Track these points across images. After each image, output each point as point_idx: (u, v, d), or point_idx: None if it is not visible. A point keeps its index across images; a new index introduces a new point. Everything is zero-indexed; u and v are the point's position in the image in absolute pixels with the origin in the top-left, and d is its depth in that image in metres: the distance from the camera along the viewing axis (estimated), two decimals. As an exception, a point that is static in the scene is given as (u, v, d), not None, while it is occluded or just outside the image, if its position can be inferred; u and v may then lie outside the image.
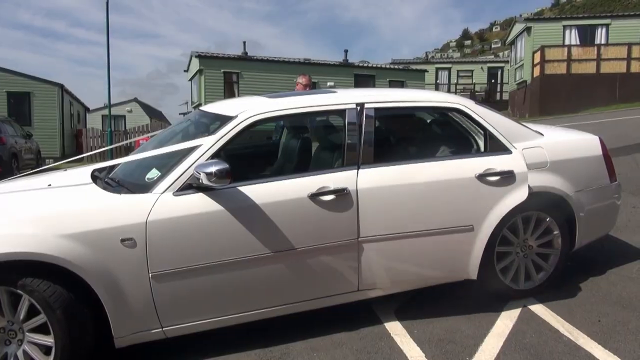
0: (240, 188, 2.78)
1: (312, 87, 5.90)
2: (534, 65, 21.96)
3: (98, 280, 2.50)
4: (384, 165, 3.04)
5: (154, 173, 2.86)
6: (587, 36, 22.38)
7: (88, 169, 3.46)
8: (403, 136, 3.72)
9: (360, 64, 27.89)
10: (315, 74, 24.29)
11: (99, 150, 5.84)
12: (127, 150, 16.73)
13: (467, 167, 3.15)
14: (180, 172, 2.73)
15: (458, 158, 3.25)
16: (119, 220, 2.58)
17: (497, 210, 3.13)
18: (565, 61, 20.57)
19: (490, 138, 3.30)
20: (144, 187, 2.74)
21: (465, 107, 3.35)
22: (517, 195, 3.15)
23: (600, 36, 22.32)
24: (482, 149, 3.31)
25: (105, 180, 3.09)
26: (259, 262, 2.79)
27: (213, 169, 2.56)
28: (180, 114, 29.94)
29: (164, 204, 2.65)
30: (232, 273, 2.76)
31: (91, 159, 14.27)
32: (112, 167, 3.34)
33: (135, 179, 2.95)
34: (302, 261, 2.89)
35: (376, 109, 3.16)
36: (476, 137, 3.36)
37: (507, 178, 3.15)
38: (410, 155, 3.40)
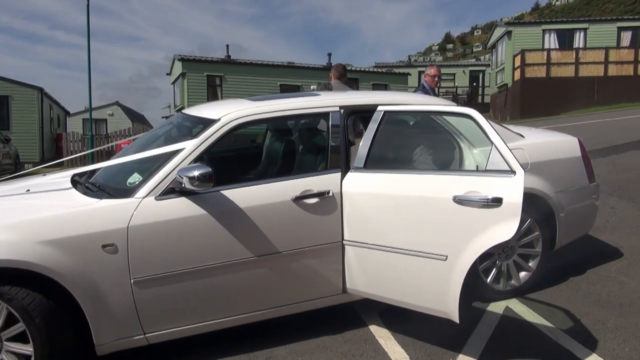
0: (223, 192, 2.76)
1: (330, 87, 5.90)
2: (514, 69, 22.29)
3: (79, 288, 2.46)
4: (370, 171, 2.94)
5: (135, 177, 2.83)
6: (565, 40, 22.80)
7: (68, 174, 3.41)
8: (390, 142, 3.66)
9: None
10: (298, 77, 24.33)
11: (80, 155, 5.76)
12: (109, 154, 16.52)
13: (452, 185, 2.65)
14: (163, 176, 2.70)
15: (445, 173, 2.85)
16: (99, 225, 2.54)
17: None
18: (545, 65, 20.92)
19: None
20: (126, 192, 2.71)
21: (472, 113, 2.83)
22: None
23: (578, 40, 22.75)
24: None
25: (86, 185, 3.05)
26: (243, 266, 2.78)
27: (196, 172, 2.54)
28: (162, 117, 29.69)
29: (145, 209, 2.62)
30: (216, 278, 2.74)
31: (71, 164, 14.06)
32: (93, 172, 3.29)
33: (117, 184, 2.92)
34: (286, 264, 2.89)
35: (365, 112, 3.12)
36: (472, 148, 3.26)
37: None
38: (398, 163, 3.30)
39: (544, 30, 23.14)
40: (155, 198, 2.66)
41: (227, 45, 25.36)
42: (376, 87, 25.87)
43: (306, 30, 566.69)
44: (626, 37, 22.54)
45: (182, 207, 2.67)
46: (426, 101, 3.53)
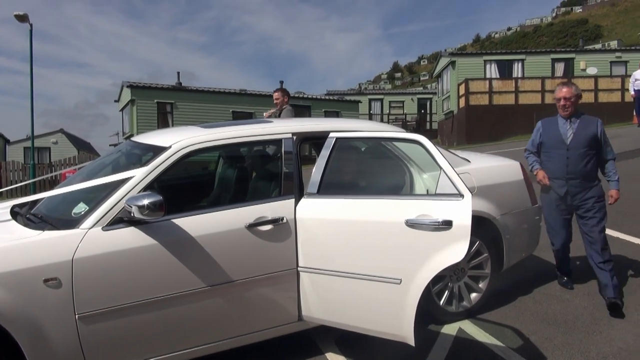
0: (174, 220, 2.70)
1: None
2: (459, 97, 23.26)
3: (17, 326, 2.30)
4: (323, 197, 2.96)
5: (81, 207, 2.71)
6: (505, 70, 24.09)
7: (7, 205, 3.23)
8: (343, 168, 3.71)
9: (296, 95, 28.30)
10: (251, 104, 24.37)
11: (20, 184, 5.46)
12: (52, 184, 15.79)
13: (403, 209, 2.70)
14: (110, 205, 2.61)
15: (395, 198, 2.86)
16: (41, 259, 2.41)
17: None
18: (487, 93, 21.97)
19: None
20: (70, 223, 2.59)
21: (422, 139, 2.91)
22: None
23: (517, 70, 24.09)
24: None
25: (27, 216, 2.89)
26: (196, 297, 2.70)
27: (145, 201, 2.47)
28: (110, 145, 28.81)
29: (92, 240, 2.51)
30: (168, 310, 2.65)
31: (11, 194, 13.32)
32: (35, 202, 3.13)
33: (61, 214, 2.79)
34: (241, 293, 2.83)
35: (319, 139, 3.15)
36: (421, 173, 3.35)
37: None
38: (351, 188, 3.31)
39: (485, 61, 24.38)
40: (102, 228, 2.56)
41: (178, 72, 25.20)
42: (328, 114, 26.29)
43: (258, 58, 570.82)
44: (560, 67, 24.10)
45: (131, 238, 2.58)
46: (377, 128, 3.62)
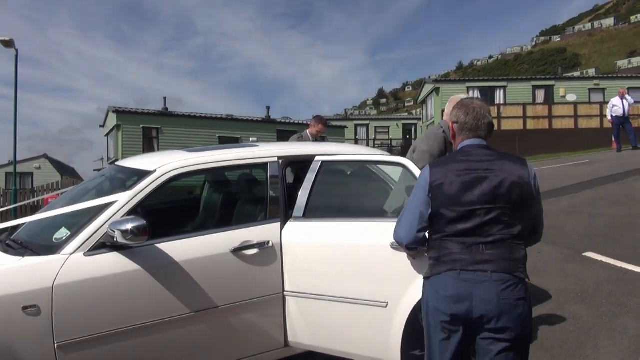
0: (158, 245, 2.66)
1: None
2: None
3: (-7, 355, 2.23)
4: (310, 220, 2.96)
5: (62, 232, 2.67)
6: (488, 96, 24.59)
7: (-14, 231, 3.16)
8: (328, 192, 3.71)
9: (283, 120, 28.49)
10: (238, 129, 24.47)
11: (0, 210, 5.34)
12: (34, 209, 15.51)
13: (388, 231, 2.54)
14: (93, 230, 2.57)
15: (381, 220, 2.85)
16: (20, 285, 2.35)
17: None
18: (471, 119, 22.38)
19: None
20: (51, 248, 2.54)
21: (406, 162, 2.99)
22: None
23: (499, 97, 24.64)
24: None
25: (7, 242, 2.83)
26: (180, 323, 2.65)
27: (129, 225, 2.44)
28: (95, 170, 28.54)
29: (73, 266, 2.46)
30: (152, 337, 2.59)
31: (-10, 220, 13.04)
32: (15, 228, 3.07)
33: (42, 240, 2.74)
34: (226, 319, 2.79)
35: (304, 163, 3.16)
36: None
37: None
38: (336, 211, 3.21)
39: (468, 87, 24.89)
40: (84, 254, 2.51)
41: (165, 98, 25.29)
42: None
43: (245, 84, 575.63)
44: (540, 94, 24.71)
45: (114, 263, 2.53)
46: (362, 151, 3.65)
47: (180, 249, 2.70)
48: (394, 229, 2.24)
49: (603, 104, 20.83)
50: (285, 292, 2.90)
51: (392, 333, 2.60)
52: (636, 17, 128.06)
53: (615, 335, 3.51)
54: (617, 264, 4.92)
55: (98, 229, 2.57)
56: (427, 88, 27.22)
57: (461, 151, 2.14)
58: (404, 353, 2.63)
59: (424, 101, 28.34)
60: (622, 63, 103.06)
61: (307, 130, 6.47)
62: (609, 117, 14.13)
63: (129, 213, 2.66)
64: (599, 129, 20.75)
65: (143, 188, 2.76)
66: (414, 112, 60.58)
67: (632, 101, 14.30)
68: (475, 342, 1.98)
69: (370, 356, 2.74)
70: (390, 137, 34.13)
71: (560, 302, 4.12)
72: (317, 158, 3.13)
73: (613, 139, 14.96)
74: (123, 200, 2.70)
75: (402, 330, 2.57)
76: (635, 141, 14.19)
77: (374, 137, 34.26)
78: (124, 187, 2.91)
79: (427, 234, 2.11)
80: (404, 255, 2.56)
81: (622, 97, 13.69)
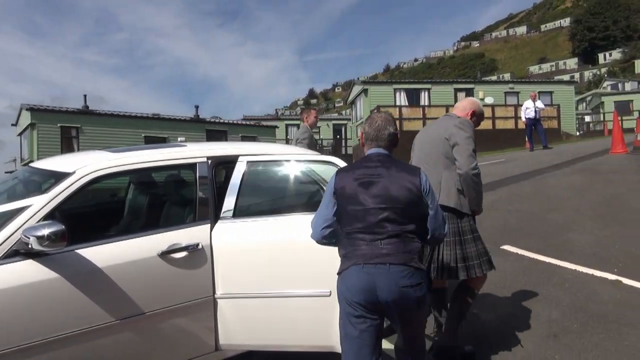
0: (79, 251, 2.52)
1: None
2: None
3: None
4: (240, 220, 2.94)
5: (-31, 240, 2.45)
6: (413, 98, 25.56)
7: None
8: (259, 191, 3.71)
9: (212, 120, 27.91)
10: (165, 129, 23.66)
11: None
12: None
13: None
14: (4, 237, 2.38)
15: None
16: None
17: None
18: (398, 119, 23.11)
19: None
20: (-44, 258, 2.33)
21: (335, 160, 3.17)
22: None
23: (424, 98, 25.66)
24: None
25: None
26: (104, 332, 2.52)
27: (45, 231, 2.29)
28: (6, 172, 26.41)
29: (-19, 276, 2.27)
30: (73, 348, 2.45)
31: None
32: None
33: (-57, 249, 2.50)
34: (153, 326, 2.69)
35: (234, 162, 3.11)
36: None
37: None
38: (267, 210, 3.27)
39: (395, 89, 25.72)
40: (-6, 263, 2.32)
41: (85, 95, 23.89)
42: (245, 139, 26.17)
43: (173, 82, 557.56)
44: (461, 96, 25.95)
45: (29, 271, 2.36)
46: (289, 151, 3.66)
47: (103, 254, 2.57)
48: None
49: (517, 106, 22.32)
50: (216, 295, 2.84)
51: (335, 318, 2.65)
52: (546, 26, 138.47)
53: (530, 322, 3.78)
54: (530, 255, 5.29)
55: (10, 236, 2.38)
56: (356, 89, 27.79)
57: (365, 158, 2.45)
58: None
59: (353, 102, 28.91)
60: (534, 68, 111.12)
61: (305, 124, 6.67)
62: (523, 119, 15.19)
63: (46, 218, 2.49)
64: (514, 130, 22.18)
65: (61, 191, 2.60)
66: (343, 112, 61.62)
67: (543, 105, 15.44)
68: (383, 324, 2.32)
69: (312, 344, 2.83)
70: (321, 137, 34.46)
71: (482, 294, 4.36)
72: (240, 158, 3.11)
73: (526, 139, 16.10)
74: (39, 204, 2.52)
75: None
76: (545, 141, 15.35)
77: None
78: (40, 190, 2.72)
79: (333, 231, 2.36)
80: None
81: (534, 100, 14.78)
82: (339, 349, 2.63)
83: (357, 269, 2.19)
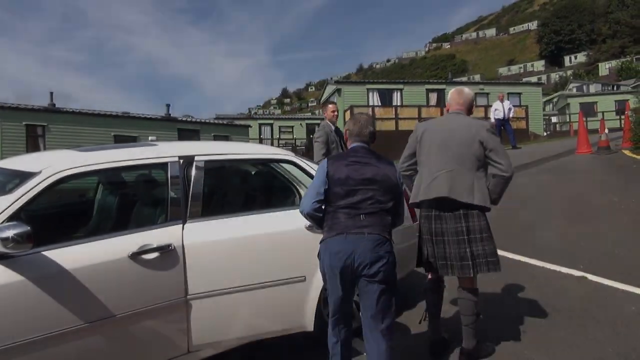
0: (45, 253, 2.45)
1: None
2: (345, 122, 24.37)
3: None
4: (211, 219, 2.97)
5: None
6: (386, 98, 25.78)
7: None
8: (230, 189, 3.72)
9: (184, 119, 27.54)
10: (135, 128, 23.21)
11: None
12: None
13: (296, 217, 3.04)
14: (-34, 239, 2.29)
15: (286, 209, 3.28)
16: None
17: None
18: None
19: None
20: None
21: (294, 158, 3.52)
22: None
23: (396, 99, 25.91)
24: None
25: None
26: (72, 336, 2.46)
27: (9, 233, 2.22)
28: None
29: (-59, 280, 2.18)
30: (40, 353, 2.37)
31: None
32: None
33: None
34: (124, 329, 2.64)
35: (205, 162, 3.10)
36: (303, 187, 3.51)
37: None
38: (238, 208, 3.37)
39: (368, 89, 25.89)
40: (-46, 266, 2.24)
41: (52, 93, 23.28)
42: (217, 138, 25.91)
43: (143, 80, 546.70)
44: (433, 97, 26.40)
45: (-8, 274, 2.28)
46: (249, 150, 3.66)
47: (72, 255, 2.51)
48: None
49: (487, 107, 22.76)
50: (188, 297, 2.81)
51: (309, 301, 3.10)
52: (514, 29, 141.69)
53: (499, 318, 3.85)
54: (500, 253, 5.38)
55: (-28, 238, 2.30)
56: (330, 89, 27.88)
57: (351, 150, 2.87)
58: (317, 317, 3.15)
59: (326, 102, 29.00)
60: (503, 70, 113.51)
61: (325, 121, 6.31)
62: (492, 119, 15.50)
63: (10, 219, 2.41)
64: (484, 130, 22.59)
65: (26, 191, 2.52)
66: (317, 112, 61.67)
67: (511, 105, 15.79)
68: (357, 285, 2.64)
69: (287, 328, 3.12)
70: (295, 136, 34.43)
71: (448, 291, 4.42)
72: (197, 158, 3.08)
73: (496, 139, 16.41)
74: (2, 204, 2.44)
75: (318, 295, 3.09)
76: (514, 141, 15.71)
77: (278, 136, 34.35)
78: (4, 190, 2.63)
79: (322, 206, 2.70)
80: (312, 234, 2.99)
81: (502, 101, 15.11)
82: (310, 327, 3.14)
83: (340, 237, 2.59)
